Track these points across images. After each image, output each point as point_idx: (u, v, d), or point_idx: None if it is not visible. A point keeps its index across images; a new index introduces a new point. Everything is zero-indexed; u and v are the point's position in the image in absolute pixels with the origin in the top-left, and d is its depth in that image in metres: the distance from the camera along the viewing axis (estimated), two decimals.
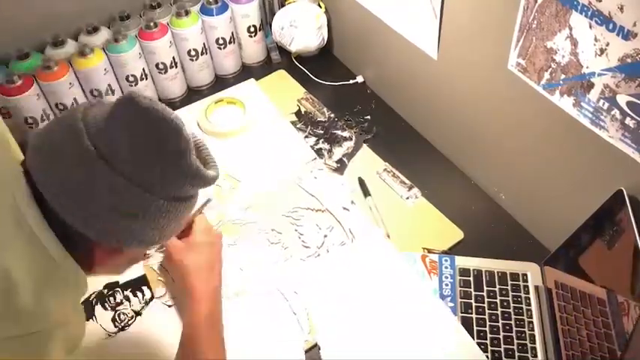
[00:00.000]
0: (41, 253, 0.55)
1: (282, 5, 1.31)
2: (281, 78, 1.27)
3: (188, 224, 0.89)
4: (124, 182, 0.56)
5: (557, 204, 0.89)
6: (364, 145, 1.12)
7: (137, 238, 0.60)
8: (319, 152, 1.11)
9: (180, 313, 0.88)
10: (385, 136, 1.14)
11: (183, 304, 0.84)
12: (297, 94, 1.23)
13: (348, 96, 1.23)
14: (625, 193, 0.72)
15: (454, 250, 0.95)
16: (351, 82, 1.26)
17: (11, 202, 0.55)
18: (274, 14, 1.31)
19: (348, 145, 1.12)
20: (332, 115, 1.17)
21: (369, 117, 1.17)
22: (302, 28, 1.22)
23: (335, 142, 1.13)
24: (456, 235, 0.96)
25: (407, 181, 1.04)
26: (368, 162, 1.09)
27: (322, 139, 1.13)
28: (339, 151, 1.11)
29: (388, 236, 0.96)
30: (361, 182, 1.05)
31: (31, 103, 1.06)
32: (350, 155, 1.10)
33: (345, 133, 1.14)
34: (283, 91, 1.24)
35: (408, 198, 1.02)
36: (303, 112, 1.18)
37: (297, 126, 1.15)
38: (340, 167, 1.08)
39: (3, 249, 0.53)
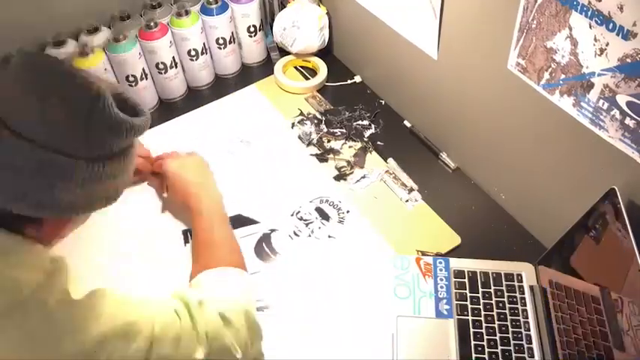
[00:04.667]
0: None
1: (282, 5, 1.31)
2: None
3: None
4: (44, 152, 0.55)
5: (557, 204, 0.89)
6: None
7: (81, 206, 0.59)
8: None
9: (185, 223, 0.96)
10: (385, 137, 1.14)
11: (187, 214, 0.90)
12: (302, 94, 1.23)
13: (349, 96, 1.23)
14: (617, 191, 0.72)
15: (451, 251, 0.95)
16: (349, 82, 1.26)
17: None
18: (274, 14, 1.31)
19: (370, 132, 1.14)
20: (343, 110, 1.19)
21: (369, 116, 1.17)
22: (304, 29, 1.22)
23: (358, 135, 1.14)
24: (453, 240, 0.96)
25: (407, 184, 1.04)
26: (370, 163, 1.09)
27: (347, 136, 1.14)
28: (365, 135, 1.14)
29: (412, 190, 1.02)
30: (379, 151, 1.09)
31: None
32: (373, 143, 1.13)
33: (365, 122, 1.16)
34: (285, 92, 1.24)
35: (407, 201, 1.02)
36: (317, 113, 1.19)
37: (320, 126, 1.16)
38: (359, 160, 1.09)
39: None
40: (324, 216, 1.00)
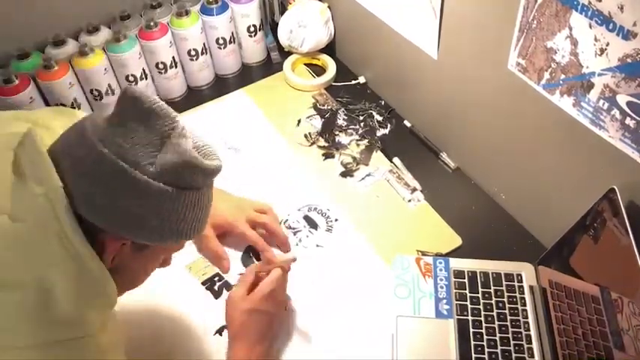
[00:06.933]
0: (81, 268, 0.57)
1: (282, 5, 1.31)
2: (282, 79, 1.27)
3: (263, 275, 0.83)
4: (128, 169, 0.56)
5: (557, 204, 0.89)
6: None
7: (145, 228, 0.59)
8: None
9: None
10: (386, 136, 1.14)
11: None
12: (309, 92, 1.24)
13: (349, 96, 1.23)
14: (617, 191, 0.72)
15: (452, 251, 0.95)
16: (353, 82, 1.26)
17: (52, 217, 0.56)
18: (274, 14, 1.31)
19: (383, 132, 1.15)
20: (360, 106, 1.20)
21: (372, 115, 1.17)
22: (310, 27, 1.22)
23: (370, 132, 1.14)
24: (454, 241, 0.96)
25: (410, 184, 1.04)
26: (374, 161, 1.09)
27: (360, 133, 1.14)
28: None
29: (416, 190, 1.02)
30: (383, 150, 1.10)
31: (32, 103, 1.06)
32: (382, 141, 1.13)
33: (380, 118, 1.17)
34: (287, 92, 1.25)
35: (410, 201, 1.02)
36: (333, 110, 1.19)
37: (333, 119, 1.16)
38: (365, 158, 1.10)
39: (49, 265, 0.55)
40: (312, 224, 0.99)
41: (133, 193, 0.57)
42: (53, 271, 0.55)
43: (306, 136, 1.14)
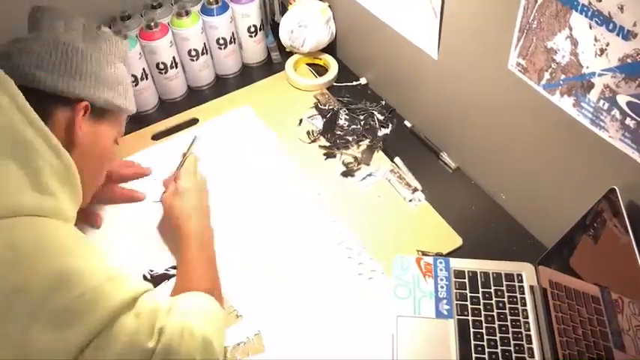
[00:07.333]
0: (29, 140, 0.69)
1: (282, 5, 1.31)
2: (283, 79, 1.27)
3: (180, 167, 1.00)
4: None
5: (557, 204, 0.89)
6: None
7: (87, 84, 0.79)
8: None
9: (174, 255, 0.94)
10: (387, 137, 1.14)
11: (177, 246, 0.90)
12: (310, 92, 1.24)
13: (350, 96, 1.23)
14: (617, 191, 0.72)
15: (452, 251, 0.95)
16: (354, 83, 1.26)
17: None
18: (274, 14, 1.31)
19: (385, 132, 1.15)
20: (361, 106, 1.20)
21: (373, 115, 1.17)
22: (312, 27, 1.22)
23: (371, 132, 1.15)
24: (455, 241, 0.96)
25: (412, 184, 1.04)
26: (375, 161, 1.09)
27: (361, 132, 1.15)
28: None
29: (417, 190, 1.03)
30: (384, 150, 1.10)
31: None
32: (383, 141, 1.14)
33: (381, 118, 1.17)
34: (288, 92, 1.25)
35: (410, 201, 1.02)
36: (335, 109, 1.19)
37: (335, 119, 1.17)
38: (366, 158, 1.10)
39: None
40: (313, 224, 0.99)
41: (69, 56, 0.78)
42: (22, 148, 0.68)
43: (308, 133, 1.14)
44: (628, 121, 0.69)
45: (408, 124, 1.16)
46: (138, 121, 1.16)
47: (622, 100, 0.69)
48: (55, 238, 0.65)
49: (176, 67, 1.21)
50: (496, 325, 0.84)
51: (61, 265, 0.62)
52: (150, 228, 0.99)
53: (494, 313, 0.86)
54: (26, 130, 0.68)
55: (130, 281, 0.69)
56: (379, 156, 1.10)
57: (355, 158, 1.10)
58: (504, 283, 0.89)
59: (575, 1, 0.68)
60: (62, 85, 0.77)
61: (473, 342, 0.83)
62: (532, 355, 0.81)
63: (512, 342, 0.83)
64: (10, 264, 0.60)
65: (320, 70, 1.29)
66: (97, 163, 0.86)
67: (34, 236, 0.63)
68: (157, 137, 1.15)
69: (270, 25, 1.31)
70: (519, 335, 0.83)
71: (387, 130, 1.15)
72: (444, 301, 0.87)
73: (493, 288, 0.88)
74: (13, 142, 0.67)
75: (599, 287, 0.74)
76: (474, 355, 0.82)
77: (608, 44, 0.67)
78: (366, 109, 1.19)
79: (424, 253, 0.94)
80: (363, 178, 1.06)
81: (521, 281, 0.89)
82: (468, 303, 0.87)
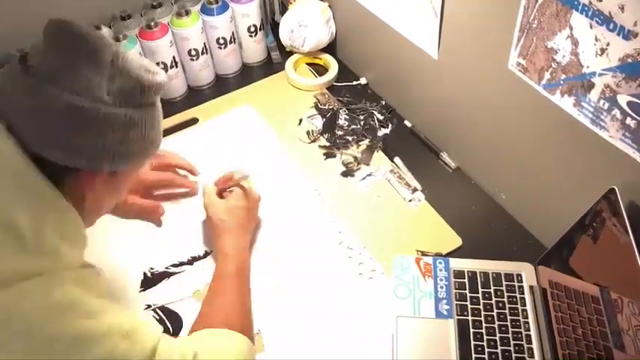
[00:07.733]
0: (36, 196, 0.60)
1: (282, 5, 1.31)
2: (283, 78, 1.27)
3: (232, 183, 0.95)
4: (71, 97, 0.59)
5: (557, 204, 0.89)
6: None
7: (103, 153, 0.62)
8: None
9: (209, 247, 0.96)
10: (387, 137, 1.14)
11: (215, 257, 0.91)
12: (310, 91, 1.24)
13: (350, 96, 1.23)
14: (617, 191, 0.71)
15: (452, 251, 0.95)
16: (354, 83, 1.26)
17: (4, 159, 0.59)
18: (274, 14, 1.31)
19: (384, 132, 1.15)
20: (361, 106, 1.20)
21: (372, 114, 1.17)
22: (312, 26, 1.22)
23: (371, 132, 1.15)
24: (454, 241, 0.96)
25: (412, 184, 1.04)
26: (375, 161, 1.09)
27: (361, 132, 1.14)
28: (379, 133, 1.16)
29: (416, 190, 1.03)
30: (384, 150, 1.09)
31: None
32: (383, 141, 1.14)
33: (381, 117, 1.17)
34: (288, 91, 1.25)
35: (410, 201, 1.02)
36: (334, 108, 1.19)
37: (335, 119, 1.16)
38: (366, 158, 1.10)
39: (10, 204, 0.58)
40: (312, 224, 0.99)
41: (95, 127, 0.60)
42: (15, 208, 0.58)
43: (308, 132, 1.14)
44: (628, 120, 0.69)
45: (408, 124, 1.16)
46: None
47: (622, 99, 0.69)
48: (63, 298, 0.60)
49: (176, 67, 1.21)
50: (496, 325, 0.84)
51: (74, 330, 0.60)
52: (151, 226, 0.98)
53: (494, 313, 0.85)
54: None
55: (145, 331, 0.66)
56: (379, 156, 1.10)
57: (355, 158, 1.10)
58: (504, 283, 0.89)
59: (575, 0, 0.68)
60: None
61: (473, 342, 0.83)
62: (532, 355, 0.81)
63: (512, 342, 0.83)
64: (24, 338, 0.58)
65: (320, 69, 1.29)
66: (111, 200, 0.75)
67: (44, 304, 0.59)
68: None
69: (270, 25, 1.31)
70: (519, 335, 0.83)
71: (386, 130, 1.15)
72: (444, 301, 0.87)
73: (493, 288, 0.88)
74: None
75: (598, 287, 0.74)
76: (473, 355, 0.82)
77: (608, 44, 0.67)
78: (366, 109, 1.19)
79: (424, 253, 0.94)
80: (363, 178, 1.06)
81: (520, 281, 0.89)
82: (468, 303, 0.87)
